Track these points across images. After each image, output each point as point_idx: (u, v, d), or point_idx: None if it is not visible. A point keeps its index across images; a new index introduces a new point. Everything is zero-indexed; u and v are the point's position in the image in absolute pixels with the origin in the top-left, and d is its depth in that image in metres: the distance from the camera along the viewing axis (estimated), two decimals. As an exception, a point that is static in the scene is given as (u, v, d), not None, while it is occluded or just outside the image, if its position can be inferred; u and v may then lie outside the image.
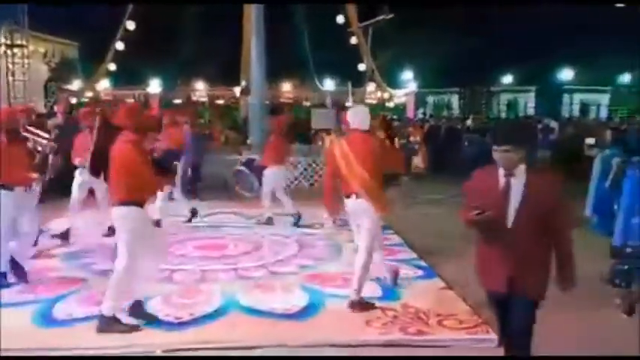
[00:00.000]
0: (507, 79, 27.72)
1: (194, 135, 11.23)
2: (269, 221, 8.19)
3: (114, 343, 4.12)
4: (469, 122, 17.94)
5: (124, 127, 4.37)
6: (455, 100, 26.63)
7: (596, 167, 7.71)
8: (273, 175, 8.17)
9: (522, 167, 3.01)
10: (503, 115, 23.39)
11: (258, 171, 8.70)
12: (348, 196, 4.82)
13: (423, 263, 6.20)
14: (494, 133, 3.27)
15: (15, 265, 5.42)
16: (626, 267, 2.97)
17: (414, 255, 6.54)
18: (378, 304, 4.87)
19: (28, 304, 4.86)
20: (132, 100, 22.57)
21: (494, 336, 4.21)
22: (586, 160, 9.17)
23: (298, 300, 5.00)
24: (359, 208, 4.77)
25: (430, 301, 4.96)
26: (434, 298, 5.05)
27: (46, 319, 4.59)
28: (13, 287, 5.30)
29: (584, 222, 7.60)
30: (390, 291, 5.24)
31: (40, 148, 5.60)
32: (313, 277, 5.68)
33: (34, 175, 5.39)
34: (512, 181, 3.03)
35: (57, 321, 4.56)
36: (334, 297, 5.04)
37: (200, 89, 24.17)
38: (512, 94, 27.09)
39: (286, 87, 24.54)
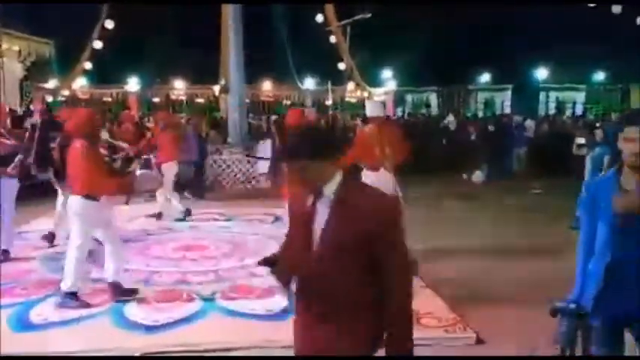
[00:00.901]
0: (484, 77, 28.04)
1: (196, 135, 11.27)
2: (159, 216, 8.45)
3: (92, 346, 4.09)
4: (448, 120, 18.09)
5: (75, 135, 4.84)
6: (433, 99, 26.84)
7: (588, 166, 7.81)
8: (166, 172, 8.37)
9: (332, 184, 2.10)
10: (480, 113, 23.67)
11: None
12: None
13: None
14: None
15: None
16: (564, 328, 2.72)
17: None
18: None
19: (4, 308, 4.79)
20: (109, 99, 22.36)
21: (471, 333, 4.31)
22: (575, 160, 9.26)
23: (280, 301, 5.00)
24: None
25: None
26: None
27: (22, 322, 4.54)
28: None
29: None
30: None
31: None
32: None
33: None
34: (319, 202, 2.14)
35: (33, 325, 4.52)
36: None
37: (179, 88, 23.99)
38: (490, 92, 27.40)
39: (266, 86, 24.47)
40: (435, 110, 25.05)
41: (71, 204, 4.86)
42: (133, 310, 4.74)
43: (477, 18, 23.16)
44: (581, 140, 8.13)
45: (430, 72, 24.91)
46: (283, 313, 4.70)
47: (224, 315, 4.73)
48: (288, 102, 25.01)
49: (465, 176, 13.26)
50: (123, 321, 4.57)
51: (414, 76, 25.32)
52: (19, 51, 18.66)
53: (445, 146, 15.33)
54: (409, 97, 26.56)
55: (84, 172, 4.71)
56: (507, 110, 24.08)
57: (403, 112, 24.46)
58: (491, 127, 13.89)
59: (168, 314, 4.68)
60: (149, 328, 4.42)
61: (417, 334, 4.16)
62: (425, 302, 4.93)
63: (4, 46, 16.59)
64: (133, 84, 23.00)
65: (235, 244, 7.09)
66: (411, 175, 12.74)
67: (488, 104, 26.74)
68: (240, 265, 6.21)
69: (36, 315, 4.67)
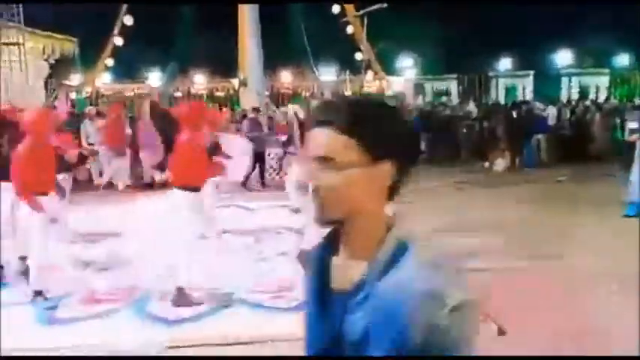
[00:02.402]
0: (505, 64, 27.62)
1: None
2: None
3: (117, 339, 4.21)
4: (469, 108, 17.93)
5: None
6: (453, 87, 26.55)
7: (638, 152, 7.61)
8: None
9: None
10: (501, 100, 23.35)
11: None
12: None
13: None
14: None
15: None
16: None
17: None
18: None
19: (32, 303, 4.94)
20: (131, 94, 22.64)
21: (492, 325, 4.30)
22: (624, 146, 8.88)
23: (299, 294, 5.07)
24: None
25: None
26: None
27: (50, 317, 4.68)
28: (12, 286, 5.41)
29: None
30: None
31: None
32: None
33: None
34: None
35: (60, 319, 4.66)
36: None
37: (199, 82, 24.17)
38: (511, 79, 26.99)
39: (284, 77, 24.52)
40: (455, 98, 24.77)
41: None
42: (158, 305, 4.85)
43: (497, 3, 22.84)
44: (634, 125, 7.77)
45: (450, 60, 24.66)
46: (302, 305, 4.76)
47: (246, 307, 4.81)
48: (307, 93, 25.02)
49: (486, 165, 13.18)
50: (147, 315, 4.68)
51: (434, 64, 25.09)
52: (44, 49, 18.99)
53: (466, 135, 15.23)
54: (429, 86, 26.31)
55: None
56: (529, 97, 23.72)
57: (423, 100, 24.25)
58: (513, 114, 13.74)
59: (193, 308, 4.78)
60: (171, 322, 4.53)
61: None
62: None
63: (29, 44, 16.91)
64: (154, 79, 23.24)
65: (257, 236, 7.14)
66: (429, 164, 12.85)
67: (510, 91, 26.36)
68: (261, 257, 6.30)
69: (63, 310, 4.82)
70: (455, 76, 26.26)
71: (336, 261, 1.14)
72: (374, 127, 1.08)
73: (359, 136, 1.07)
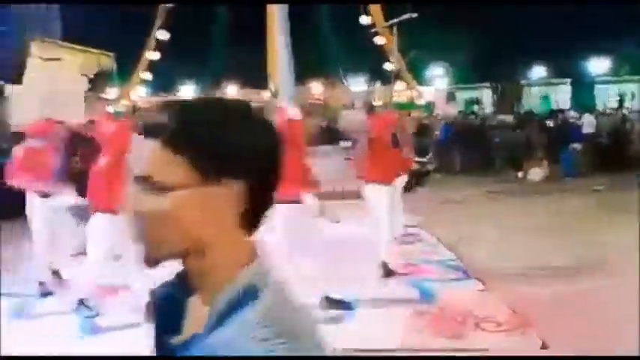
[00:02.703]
0: (539, 72, 27.22)
1: None
2: None
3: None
4: (502, 117, 17.71)
5: None
6: (486, 96, 26.25)
7: None
8: None
9: None
10: (535, 109, 22.97)
11: None
12: None
13: (459, 264, 6.17)
14: None
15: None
16: None
17: (450, 256, 6.52)
18: (414, 307, 4.90)
19: (75, 312, 4.98)
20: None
21: (536, 339, 4.21)
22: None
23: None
24: None
25: (467, 303, 4.94)
26: (470, 300, 5.03)
27: (92, 327, 4.74)
28: (56, 296, 5.50)
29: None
30: (426, 293, 5.25)
31: None
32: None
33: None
34: None
35: (102, 329, 4.72)
36: (366, 300, 5.03)
37: (230, 93, 24.46)
38: (545, 87, 26.56)
39: (315, 89, 24.61)
40: (488, 108, 24.49)
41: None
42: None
43: (531, 10, 22.55)
44: None
45: (482, 68, 24.42)
46: (335, 319, 4.71)
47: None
48: (337, 104, 25.01)
49: (520, 175, 12.95)
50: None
51: (465, 72, 24.90)
52: (82, 63, 19.50)
53: (499, 144, 15.02)
54: (460, 95, 26.07)
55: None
56: (564, 105, 23.29)
57: (454, 109, 24.04)
58: (548, 123, 13.50)
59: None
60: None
61: (476, 339, 4.22)
62: (485, 306, 4.88)
63: (68, 59, 17.39)
64: (187, 91, 23.63)
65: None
66: (461, 174, 12.71)
67: (544, 100, 25.93)
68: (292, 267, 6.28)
69: (104, 319, 4.89)
70: (487, 84, 25.99)
71: (190, 303, 0.93)
72: (207, 139, 0.86)
73: (185, 149, 0.85)
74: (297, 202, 4.70)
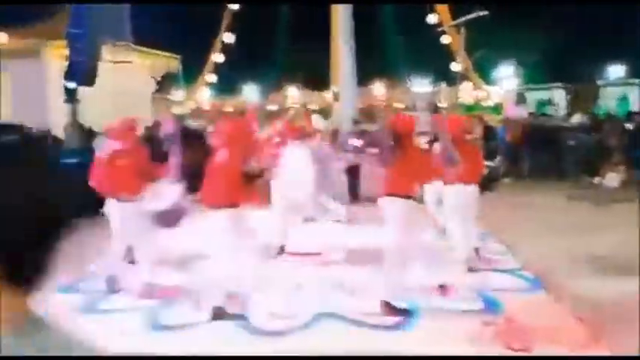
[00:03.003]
0: (616, 72, 25.77)
1: None
2: None
3: (217, 348, 4.23)
4: (576, 119, 16.85)
5: None
6: (559, 96, 25.12)
7: None
8: None
9: None
10: (612, 111, 21.76)
11: None
12: None
13: (528, 274, 5.84)
14: None
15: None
16: None
17: (519, 265, 6.19)
18: (478, 318, 4.66)
19: (141, 309, 5.12)
20: (230, 110, 23.52)
21: (606, 353, 3.93)
22: None
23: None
24: None
25: (535, 315, 4.66)
26: (539, 312, 4.75)
27: (157, 323, 4.80)
28: (124, 292, 5.63)
29: None
30: (492, 303, 4.99)
31: None
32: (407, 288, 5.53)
33: None
34: None
35: (167, 326, 4.76)
36: (431, 308, 4.88)
37: (293, 95, 24.62)
38: (622, 87, 25.12)
39: (378, 90, 24.39)
40: (561, 109, 23.44)
41: None
42: (259, 316, 4.85)
43: (607, 6, 21.39)
44: None
45: (554, 68, 23.42)
46: (396, 325, 4.60)
47: (339, 321, 4.69)
48: (400, 105, 24.70)
49: (595, 180, 12.23)
50: (249, 326, 4.68)
51: (537, 73, 23.93)
52: (150, 66, 20.23)
53: (572, 148, 14.28)
54: (531, 96, 25.10)
55: None
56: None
57: (526, 111, 23.18)
58: (627, 126, 12.69)
59: (287, 318, 4.74)
60: (271, 334, 4.51)
61: (545, 351, 3.95)
62: (554, 318, 4.60)
63: (137, 62, 18.08)
64: (250, 94, 24.00)
65: (350, 250, 6.99)
66: (532, 180, 12.15)
67: (622, 101, 24.54)
68: (354, 271, 6.16)
69: (169, 316, 4.94)
70: (560, 84, 24.89)
71: None
72: None
73: None
74: (411, 197, 4.73)
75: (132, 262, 5.80)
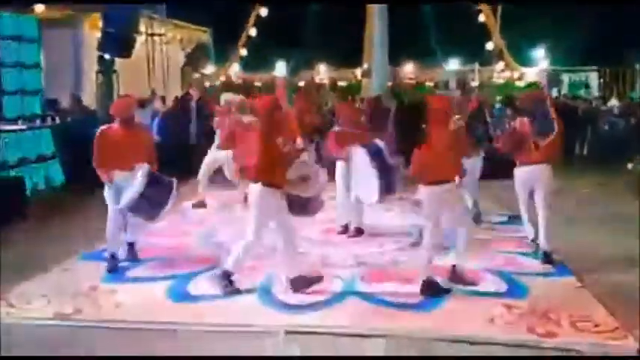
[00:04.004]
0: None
1: None
2: None
3: (238, 321, 4.34)
4: (611, 103, 16.43)
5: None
6: (594, 79, 24.42)
7: None
8: None
9: None
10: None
11: None
12: None
13: (555, 258, 5.78)
14: None
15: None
16: None
17: (547, 249, 6.10)
18: (502, 300, 4.67)
19: (165, 280, 5.25)
20: (259, 84, 23.52)
21: (633, 342, 3.90)
22: None
23: (418, 290, 4.92)
24: None
25: (562, 300, 4.64)
26: (566, 298, 4.71)
27: (181, 294, 4.92)
28: (151, 262, 5.77)
29: None
30: (517, 287, 4.98)
31: None
32: (434, 267, 5.54)
33: None
34: None
35: (190, 296, 4.88)
36: (455, 290, 4.89)
37: (323, 72, 24.49)
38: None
39: (408, 67, 24.08)
40: (595, 92, 22.80)
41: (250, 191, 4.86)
42: (281, 289, 4.94)
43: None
44: None
45: (590, 49, 22.70)
46: (422, 304, 4.64)
47: (363, 300, 4.75)
48: (431, 84, 24.40)
49: (630, 166, 11.96)
50: (271, 299, 4.78)
51: (572, 54, 23.26)
52: (181, 39, 20.29)
53: (607, 132, 13.96)
54: (566, 78, 24.46)
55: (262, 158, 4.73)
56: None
57: (559, 93, 22.65)
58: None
59: (312, 295, 4.81)
60: (294, 307, 4.58)
61: (570, 338, 3.95)
62: (582, 304, 4.58)
63: (169, 35, 18.14)
64: (280, 69, 23.92)
65: (372, 227, 6.97)
66: (567, 165, 11.90)
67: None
68: (380, 250, 6.21)
69: (193, 287, 5.06)
70: (595, 67, 24.19)
71: None
72: None
73: None
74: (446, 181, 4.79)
75: (135, 257, 5.85)
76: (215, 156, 8.02)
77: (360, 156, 6.12)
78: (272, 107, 4.94)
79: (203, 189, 8.24)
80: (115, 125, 5.61)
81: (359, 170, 6.19)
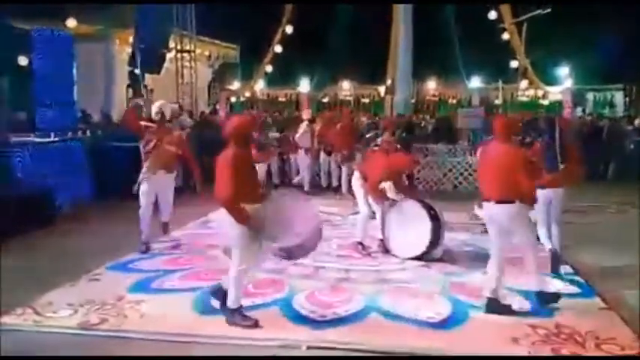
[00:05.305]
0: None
1: None
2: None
3: (261, 335, 4.36)
4: (638, 122, 16.18)
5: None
6: (619, 98, 24.12)
7: None
8: None
9: None
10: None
11: None
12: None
13: (579, 279, 5.72)
14: None
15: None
16: None
17: (569, 269, 6.07)
18: (526, 320, 4.63)
19: (190, 291, 5.31)
20: (284, 100, 23.73)
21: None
22: None
23: (441, 308, 4.91)
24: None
25: (587, 321, 4.59)
26: (591, 319, 4.66)
27: (206, 306, 4.93)
28: (176, 274, 5.85)
29: None
30: (542, 307, 4.93)
31: None
32: (456, 286, 5.54)
33: None
34: None
35: (214, 309, 4.85)
36: (478, 309, 4.87)
37: (346, 88, 24.64)
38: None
39: (431, 84, 24.11)
40: (620, 110, 22.52)
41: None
42: (303, 303, 4.97)
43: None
44: None
45: (616, 68, 22.46)
46: (444, 322, 4.63)
47: (385, 317, 4.74)
48: (454, 101, 24.35)
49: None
50: (293, 313, 4.81)
51: (597, 72, 23.04)
52: (209, 55, 20.67)
53: (633, 151, 13.76)
54: (590, 96, 24.21)
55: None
56: None
57: (584, 112, 22.40)
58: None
59: (332, 310, 4.83)
60: (313, 323, 4.60)
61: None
62: (607, 326, 4.52)
63: (197, 50, 18.49)
64: (304, 85, 24.16)
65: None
66: (592, 183, 11.73)
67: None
68: (401, 267, 6.21)
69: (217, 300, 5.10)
70: (620, 86, 23.91)
71: None
72: None
73: None
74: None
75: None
76: None
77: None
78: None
79: None
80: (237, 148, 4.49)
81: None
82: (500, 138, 4.88)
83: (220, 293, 4.65)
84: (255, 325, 4.49)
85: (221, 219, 4.59)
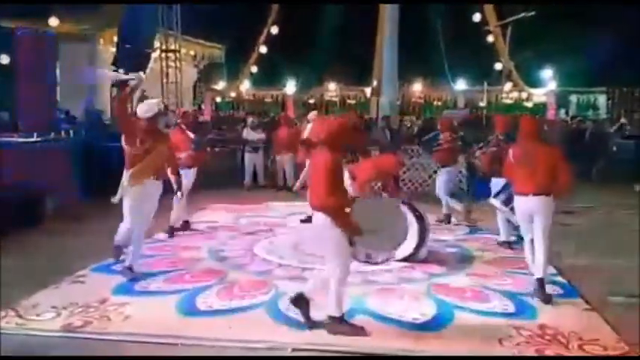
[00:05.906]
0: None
1: None
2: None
3: (247, 337, 4.33)
4: (620, 124, 16.45)
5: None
6: (602, 100, 24.48)
7: None
8: None
9: None
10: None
11: None
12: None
13: (563, 280, 5.78)
14: None
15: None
16: None
17: (553, 270, 6.12)
18: (510, 321, 4.67)
19: (174, 293, 5.27)
20: (270, 100, 23.70)
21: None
22: None
23: (426, 309, 4.93)
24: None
25: (570, 322, 4.63)
26: (575, 320, 4.71)
27: (189, 308, 4.93)
28: (160, 276, 5.80)
29: None
30: (525, 308, 4.98)
31: None
32: (441, 287, 5.57)
33: None
34: None
35: (198, 311, 4.88)
36: (463, 310, 4.91)
37: (332, 90, 24.70)
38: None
39: (417, 86, 24.25)
40: (603, 113, 22.86)
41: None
42: (288, 305, 4.94)
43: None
44: None
45: (598, 71, 22.79)
46: (429, 323, 4.65)
47: (371, 318, 4.75)
48: (439, 103, 24.54)
49: (637, 188, 11.94)
50: (279, 315, 4.79)
51: (581, 75, 23.36)
52: (194, 55, 20.58)
53: (615, 153, 13.97)
54: (574, 98, 24.54)
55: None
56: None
57: (567, 114, 22.69)
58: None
59: (322, 312, 4.82)
60: (302, 324, 4.57)
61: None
62: (590, 327, 4.56)
63: (183, 51, 18.40)
64: (290, 86, 24.17)
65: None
66: (575, 184, 11.86)
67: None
68: (388, 268, 6.22)
69: (202, 302, 5.08)
70: (604, 89, 24.26)
71: None
72: None
73: None
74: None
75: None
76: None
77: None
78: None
79: None
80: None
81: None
82: (532, 137, 5.33)
83: (304, 302, 4.50)
84: (363, 332, 4.34)
85: (315, 225, 4.42)
